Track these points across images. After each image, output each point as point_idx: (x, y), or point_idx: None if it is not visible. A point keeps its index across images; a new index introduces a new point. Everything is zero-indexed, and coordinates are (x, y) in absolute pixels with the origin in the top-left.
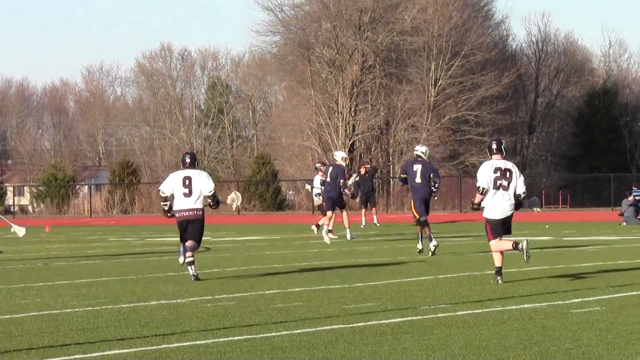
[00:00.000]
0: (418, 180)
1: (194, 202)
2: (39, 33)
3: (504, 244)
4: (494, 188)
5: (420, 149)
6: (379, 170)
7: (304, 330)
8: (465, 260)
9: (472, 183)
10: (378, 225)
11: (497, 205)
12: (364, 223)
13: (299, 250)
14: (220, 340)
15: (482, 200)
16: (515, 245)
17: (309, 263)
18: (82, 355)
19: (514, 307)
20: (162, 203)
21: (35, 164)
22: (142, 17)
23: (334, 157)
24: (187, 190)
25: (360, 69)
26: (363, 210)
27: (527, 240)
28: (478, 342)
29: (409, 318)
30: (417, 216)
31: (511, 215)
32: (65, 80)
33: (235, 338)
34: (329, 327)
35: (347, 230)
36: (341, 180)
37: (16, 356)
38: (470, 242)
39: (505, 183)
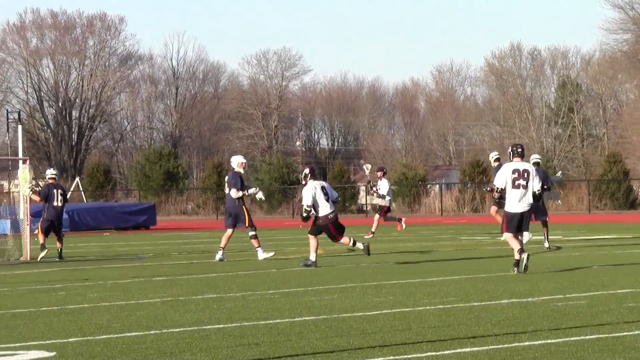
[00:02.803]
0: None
1: (332, 205)
2: (390, 34)
3: (513, 242)
4: (513, 187)
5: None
6: None
7: None
8: None
9: None
10: None
11: (515, 202)
12: None
13: None
14: (571, 339)
15: (499, 196)
16: (521, 251)
17: None
18: (434, 353)
19: None
20: (305, 213)
21: (386, 163)
22: (491, 17)
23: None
24: (326, 197)
25: None
26: None
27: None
28: None
29: None
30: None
31: (529, 211)
32: (415, 80)
33: (587, 337)
34: None
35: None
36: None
37: (369, 353)
38: None
39: (523, 182)
